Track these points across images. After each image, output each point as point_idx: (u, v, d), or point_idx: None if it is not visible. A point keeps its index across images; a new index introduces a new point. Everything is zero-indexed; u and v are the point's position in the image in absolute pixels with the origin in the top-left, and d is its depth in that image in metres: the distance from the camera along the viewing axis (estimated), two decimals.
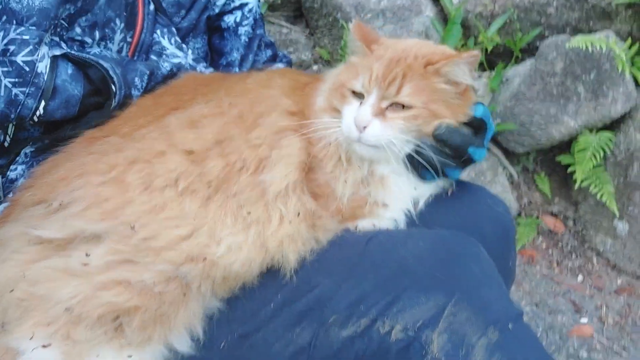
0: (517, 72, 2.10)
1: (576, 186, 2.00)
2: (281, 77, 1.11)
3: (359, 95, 0.99)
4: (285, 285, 0.96)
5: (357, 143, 0.98)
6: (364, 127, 0.95)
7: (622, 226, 2.02)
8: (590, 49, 1.88)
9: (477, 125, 1.03)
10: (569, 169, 2.07)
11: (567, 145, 2.14)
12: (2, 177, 1.11)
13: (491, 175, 2.16)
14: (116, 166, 0.94)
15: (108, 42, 1.18)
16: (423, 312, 0.89)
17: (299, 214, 0.98)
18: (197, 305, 0.92)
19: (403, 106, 0.97)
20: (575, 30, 2.06)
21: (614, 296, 1.89)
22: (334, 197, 1.02)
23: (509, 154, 2.20)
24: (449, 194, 1.11)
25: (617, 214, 1.97)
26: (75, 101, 1.08)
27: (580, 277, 1.98)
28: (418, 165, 1.02)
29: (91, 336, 0.85)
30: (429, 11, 2.27)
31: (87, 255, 0.87)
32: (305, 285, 0.95)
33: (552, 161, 2.22)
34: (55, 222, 0.90)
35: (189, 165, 0.95)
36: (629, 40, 1.97)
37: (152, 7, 1.26)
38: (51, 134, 1.13)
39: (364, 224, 1.03)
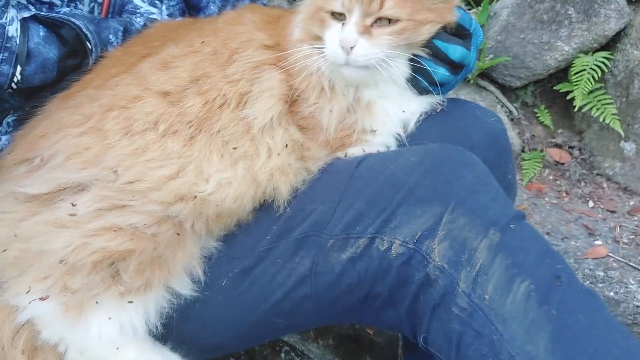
0: (505, 4, 2.05)
1: (576, 109, 1.96)
2: (252, 13, 1.08)
3: (339, 17, 0.95)
4: (279, 216, 0.94)
5: (345, 67, 0.94)
6: (351, 48, 0.92)
7: (629, 147, 1.98)
8: None
9: (462, 33, 1.00)
10: (569, 96, 2.02)
11: (564, 73, 2.09)
12: None
13: None
14: (92, 115, 0.92)
15: (78, 2, 1.15)
16: (420, 224, 0.86)
17: (286, 145, 0.96)
18: (193, 245, 0.91)
19: (389, 20, 0.93)
20: None
21: (627, 217, 1.85)
22: (321, 128, 0.99)
23: (505, 89, 2.15)
24: (438, 111, 1.08)
25: (623, 134, 1.93)
26: (51, 64, 1.06)
27: (591, 203, 1.94)
28: (415, 80, 1.00)
29: (88, 285, 0.84)
30: None
31: (73, 205, 0.85)
32: (299, 214, 0.93)
33: (551, 92, 2.17)
34: (39, 177, 0.89)
35: (167, 107, 0.93)
36: None
37: None
38: (32, 101, 1.11)
39: (354, 151, 1.01)
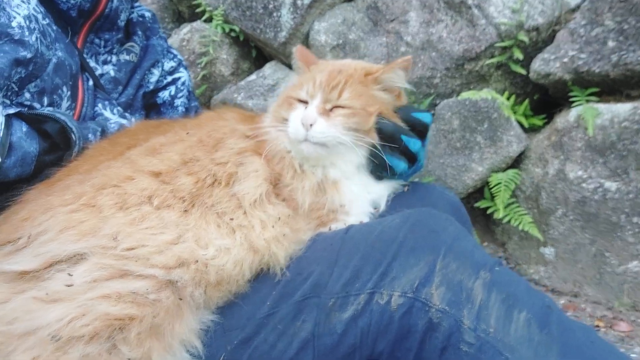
0: None
1: (499, 219, 2.17)
2: (231, 111, 1.19)
3: (304, 103, 1.09)
4: (278, 282, 0.95)
5: (305, 143, 1.06)
6: (311, 125, 1.04)
7: (548, 251, 2.18)
8: (478, 102, 2.18)
9: (418, 127, 1.16)
10: (489, 211, 2.25)
11: (480, 193, 2.35)
12: None
13: None
14: (84, 194, 0.92)
15: (56, 108, 1.20)
16: (416, 272, 0.91)
17: (279, 218, 1.00)
18: (192, 315, 0.88)
19: (344, 109, 1.08)
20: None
21: None
22: (299, 205, 1.06)
23: None
24: (405, 191, 1.19)
25: (542, 238, 2.14)
26: (30, 159, 1.07)
27: None
28: (373, 166, 1.12)
29: None
30: None
31: (69, 275, 0.82)
32: (298, 278, 0.95)
33: (472, 210, 2.40)
34: (27, 254, 0.85)
35: (160, 185, 0.96)
36: (506, 94, 2.31)
37: (90, 82, 1.32)
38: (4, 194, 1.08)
39: (337, 225, 1.07)
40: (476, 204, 2.33)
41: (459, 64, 2.32)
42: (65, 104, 1.21)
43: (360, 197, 1.12)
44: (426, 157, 1.22)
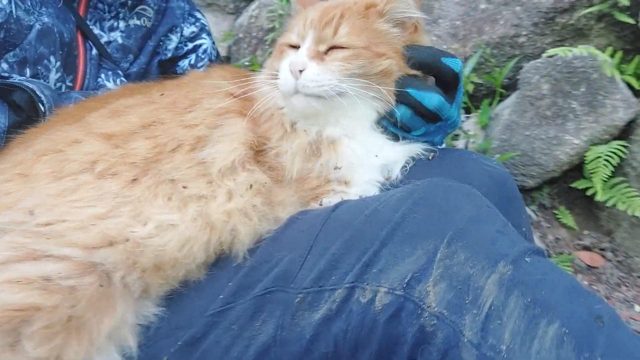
0: (506, 104, 2.00)
1: (601, 202, 1.78)
2: (222, 69, 1.02)
3: (295, 48, 0.89)
4: (238, 269, 0.75)
5: (295, 95, 0.85)
6: (300, 72, 0.83)
7: None
8: (573, 62, 1.80)
9: (447, 77, 0.90)
10: (589, 192, 1.86)
11: (579, 172, 1.96)
12: None
13: None
14: (23, 161, 0.80)
15: (42, 80, 1.11)
16: (410, 263, 0.67)
17: (250, 186, 0.81)
18: (125, 307, 0.71)
19: (342, 50, 0.85)
20: None
21: None
22: (286, 171, 0.86)
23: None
24: (430, 158, 0.94)
25: None
26: (0, 133, 0.98)
27: (637, 307, 1.66)
28: (386, 122, 0.88)
29: None
30: None
31: None
32: (262, 266, 0.75)
33: (570, 192, 2.01)
34: None
35: (110, 149, 0.80)
36: (609, 49, 1.89)
37: (94, 51, 1.21)
38: None
39: (330, 199, 0.85)
40: (573, 184, 1.95)
41: (549, 18, 1.95)
42: (54, 75, 1.11)
43: (366, 162, 0.87)
44: (459, 116, 0.94)
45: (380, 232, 0.71)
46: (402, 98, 0.87)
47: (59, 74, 1.12)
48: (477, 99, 2.12)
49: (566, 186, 2.01)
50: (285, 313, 0.70)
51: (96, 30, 1.24)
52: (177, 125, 0.85)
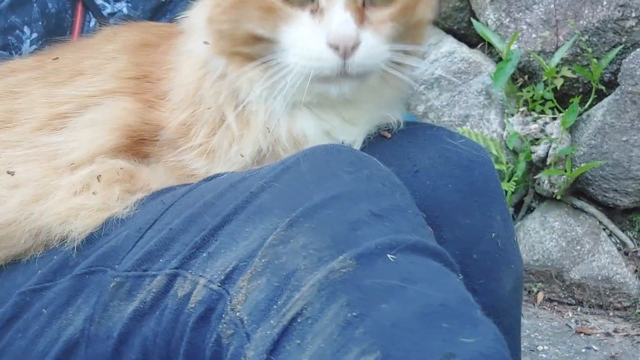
0: (600, 104, 1.63)
1: None
2: (130, 31, 0.85)
3: (300, 7, 0.61)
4: (58, 251, 0.60)
5: (340, 79, 0.61)
6: (353, 48, 0.59)
7: None
8: None
9: None
10: None
11: None
12: None
13: (591, 243, 1.57)
14: None
15: (12, 51, 1.07)
16: (242, 248, 0.48)
17: (99, 177, 0.64)
18: None
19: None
20: None
21: None
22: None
23: (612, 211, 1.61)
24: (388, 136, 0.70)
25: None
26: None
27: None
28: None
29: None
30: (490, 68, 1.96)
31: None
32: (99, 241, 0.59)
33: None
34: None
35: None
36: None
37: (92, 23, 1.16)
38: None
39: None
40: None
41: None
42: (28, 47, 1.07)
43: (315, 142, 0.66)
44: None
45: (228, 206, 0.52)
46: None
47: (34, 46, 1.08)
48: (569, 98, 1.75)
49: None
50: (99, 300, 0.54)
51: (99, 1, 1.19)
52: (36, 99, 0.72)
